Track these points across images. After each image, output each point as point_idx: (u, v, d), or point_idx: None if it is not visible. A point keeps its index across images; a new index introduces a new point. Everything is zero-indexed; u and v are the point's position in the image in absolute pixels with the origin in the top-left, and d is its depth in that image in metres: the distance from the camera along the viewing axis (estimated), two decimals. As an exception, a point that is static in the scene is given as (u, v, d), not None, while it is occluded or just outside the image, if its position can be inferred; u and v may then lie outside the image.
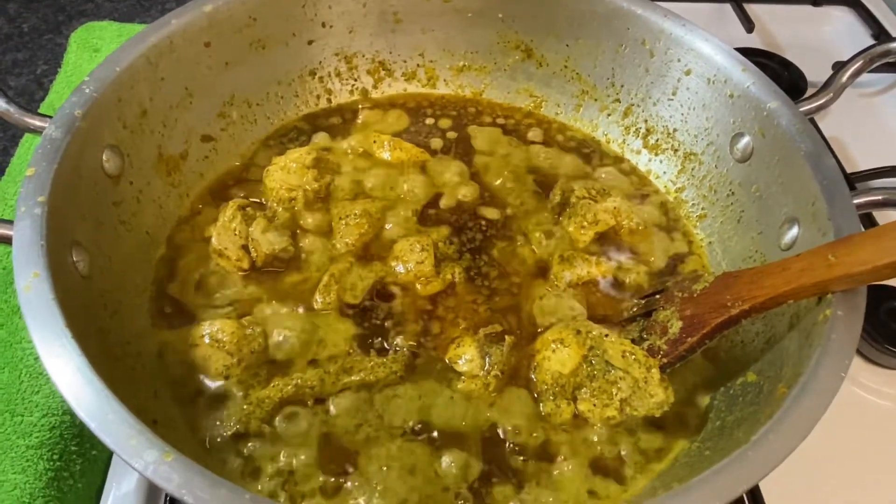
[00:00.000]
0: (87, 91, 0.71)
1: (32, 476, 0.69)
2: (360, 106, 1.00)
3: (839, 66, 0.87)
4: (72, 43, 1.14)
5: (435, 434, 0.68)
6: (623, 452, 0.69)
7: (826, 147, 0.74)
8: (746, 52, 0.83)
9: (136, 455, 0.48)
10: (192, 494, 0.46)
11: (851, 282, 0.61)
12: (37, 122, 0.71)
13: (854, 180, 1.04)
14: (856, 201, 0.69)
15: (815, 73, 1.18)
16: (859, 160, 1.12)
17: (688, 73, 0.88)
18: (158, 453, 0.48)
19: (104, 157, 0.72)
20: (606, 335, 0.71)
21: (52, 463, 0.71)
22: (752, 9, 1.32)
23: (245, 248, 0.79)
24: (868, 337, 0.86)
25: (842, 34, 1.35)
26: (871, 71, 1.21)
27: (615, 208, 0.86)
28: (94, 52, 1.12)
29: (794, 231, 0.73)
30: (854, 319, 0.60)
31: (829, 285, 0.61)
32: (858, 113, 1.21)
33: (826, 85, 0.83)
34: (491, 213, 0.88)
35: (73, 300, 0.60)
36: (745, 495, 0.72)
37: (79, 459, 0.73)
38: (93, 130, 0.70)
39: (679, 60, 0.88)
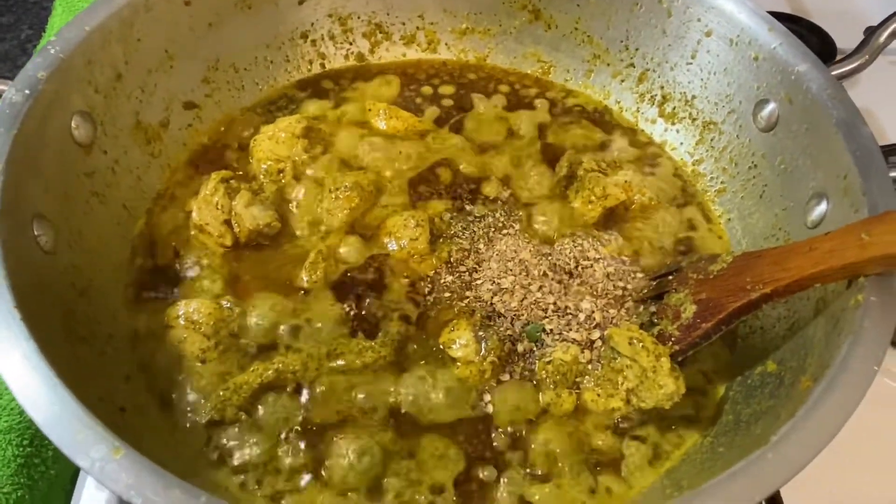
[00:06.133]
0: (53, 52, 0.66)
1: (0, 462, 0.66)
2: (355, 72, 0.94)
3: (873, 29, 0.79)
4: (57, 6, 1.09)
5: (424, 423, 0.64)
6: (628, 447, 0.64)
7: (859, 115, 0.68)
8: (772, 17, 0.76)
9: (81, 451, 0.43)
10: (142, 496, 0.42)
11: (888, 264, 0.54)
12: (-4, 86, 0.67)
13: (884, 154, 0.97)
14: (892, 174, 0.63)
15: (845, 38, 1.10)
16: (888, 132, 1.05)
17: (708, 34, 0.81)
18: (107, 449, 0.43)
19: (73, 124, 0.67)
20: (613, 320, 0.66)
21: (21, 449, 0.67)
22: (778, -30, 1.24)
23: (228, 223, 0.74)
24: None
25: (873, -2, 1.27)
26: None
27: (626, 182, 0.80)
28: (80, 15, 1.07)
29: (823, 207, 0.67)
30: (890, 306, 0.54)
31: (861, 267, 0.55)
32: (887, 82, 1.13)
33: (861, 46, 0.76)
34: (491, 187, 0.82)
35: (32, 278, 0.56)
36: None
37: (51, 445, 0.69)
38: (59, 94, 0.65)
39: (699, 20, 0.81)
